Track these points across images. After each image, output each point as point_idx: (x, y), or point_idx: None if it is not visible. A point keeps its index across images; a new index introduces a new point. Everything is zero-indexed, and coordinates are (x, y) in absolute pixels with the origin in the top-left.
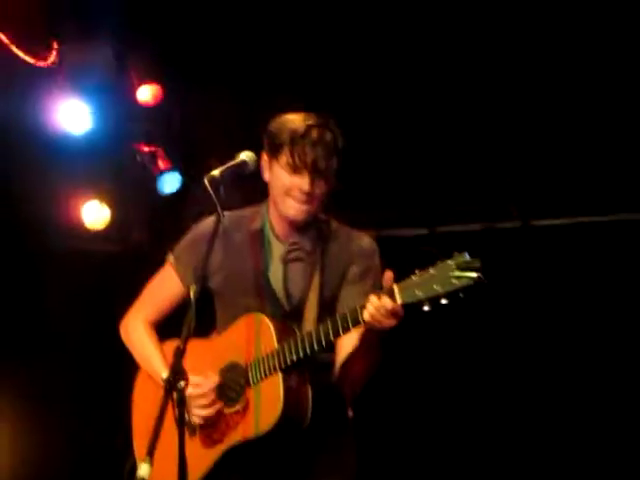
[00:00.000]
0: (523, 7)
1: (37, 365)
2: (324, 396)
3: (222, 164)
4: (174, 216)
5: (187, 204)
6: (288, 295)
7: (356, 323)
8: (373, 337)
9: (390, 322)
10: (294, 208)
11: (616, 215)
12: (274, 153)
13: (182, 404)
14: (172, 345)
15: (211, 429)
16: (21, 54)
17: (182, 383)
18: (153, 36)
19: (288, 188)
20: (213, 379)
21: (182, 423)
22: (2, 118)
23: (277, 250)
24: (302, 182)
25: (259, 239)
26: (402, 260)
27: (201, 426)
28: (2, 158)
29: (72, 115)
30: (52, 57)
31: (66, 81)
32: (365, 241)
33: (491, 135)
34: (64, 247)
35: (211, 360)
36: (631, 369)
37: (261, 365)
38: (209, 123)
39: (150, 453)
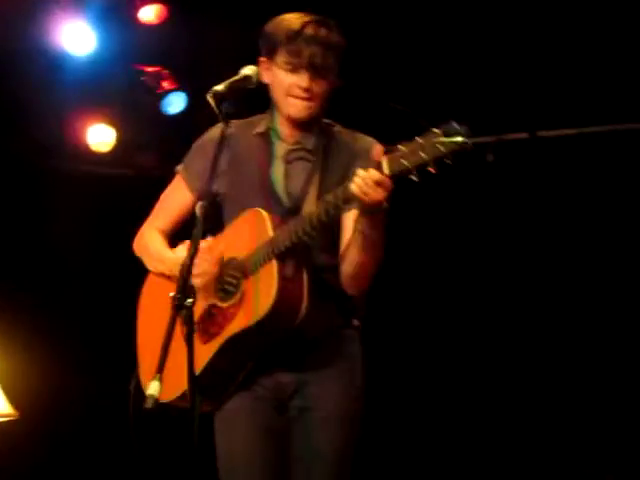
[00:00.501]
0: None
1: (43, 291)
2: (325, 294)
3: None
4: (182, 137)
5: (194, 124)
6: (289, 193)
7: (344, 198)
8: (367, 220)
9: (378, 195)
10: (295, 106)
11: (623, 125)
12: (271, 54)
13: (190, 322)
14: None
15: (209, 324)
16: None
17: (190, 301)
18: None
19: (287, 87)
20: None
21: (191, 341)
22: (6, 41)
23: (280, 150)
24: (300, 79)
25: (264, 141)
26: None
27: (199, 322)
28: (7, 80)
29: (76, 37)
30: None
31: (69, 3)
32: (368, 141)
33: (496, 46)
34: (70, 169)
35: (213, 259)
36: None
37: (257, 256)
38: (214, 42)
39: (160, 370)
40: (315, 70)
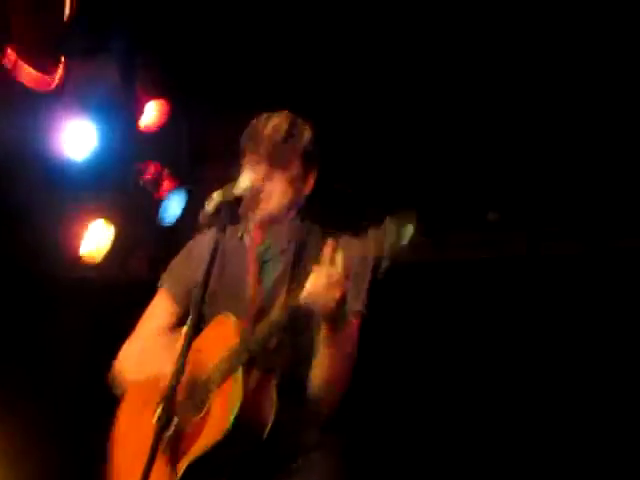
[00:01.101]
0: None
1: (32, 394)
2: (298, 406)
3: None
4: (177, 242)
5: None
6: (263, 296)
7: (295, 299)
8: (328, 325)
9: (333, 293)
10: (259, 202)
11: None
12: (241, 157)
13: (176, 441)
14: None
15: (178, 442)
16: (26, 76)
17: (176, 420)
18: (160, 53)
19: (253, 185)
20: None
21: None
22: (5, 140)
23: (254, 254)
24: (259, 172)
25: (240, 246)
26: (408, 286)
27: (169, 442)
28: (5, 181)
29: (76, 137)
30: (57, 78)
31: (71, 101)
32: None
33: (496, 163)
34: (64, 274)
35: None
36: None
37: (221, 367)
38: (217, 141)
39: None
40: (273, 161)
